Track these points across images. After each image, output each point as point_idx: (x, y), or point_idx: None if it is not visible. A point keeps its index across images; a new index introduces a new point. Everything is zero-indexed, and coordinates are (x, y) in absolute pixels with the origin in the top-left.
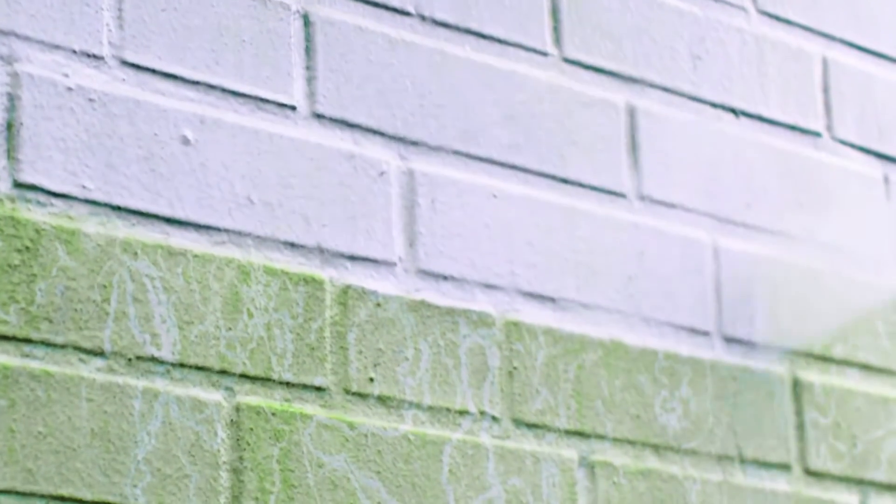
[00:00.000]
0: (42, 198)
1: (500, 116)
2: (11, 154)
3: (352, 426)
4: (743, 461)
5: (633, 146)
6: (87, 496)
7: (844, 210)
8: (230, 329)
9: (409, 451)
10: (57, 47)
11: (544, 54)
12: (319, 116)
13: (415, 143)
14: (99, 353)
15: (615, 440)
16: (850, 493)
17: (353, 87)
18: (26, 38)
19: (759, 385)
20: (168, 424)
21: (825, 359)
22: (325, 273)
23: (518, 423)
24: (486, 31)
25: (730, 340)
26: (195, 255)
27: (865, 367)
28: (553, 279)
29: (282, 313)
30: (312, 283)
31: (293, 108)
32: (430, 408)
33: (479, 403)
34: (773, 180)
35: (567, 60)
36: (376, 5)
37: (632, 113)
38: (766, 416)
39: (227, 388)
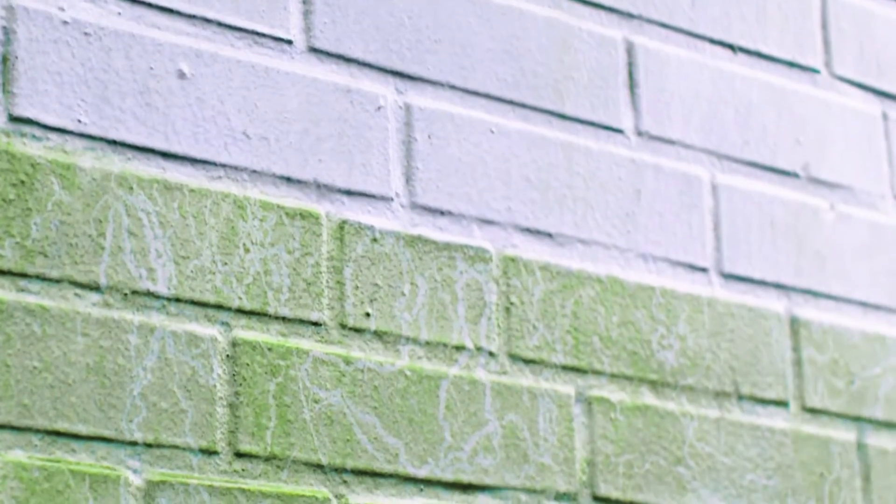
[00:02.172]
0: (37, 132)
1: (497, 51)
2: (7, 88)
3: (348, 361)
4: (740, 398)
5: (632, 82)
6: (83, 431)
7: (843, 147)
8: (226, 264)
9: (406, 387)
10: None
11: None
12: (316, 51)
13: (412, 78)
14: (95, 288)
15: (612, 376)
16: (846, 430)
17: (350, 22)
18: None
19: (757, 322)
20: (164, 359)
21: (823, 296)
22: (322, 208)
23: (515, 358)
24: None
25: (727, 277)
26: (191, 190)
27: (863, 305)
28: (550, 215)
29: (278, 248)
30: (309, 217)
31: (290, 42)
32: (427, 343)
33: (476, 339)
34: (771, 117)
35: None
36: None
37: (630, 49)
38: (763, 353)
39: (224, 323)
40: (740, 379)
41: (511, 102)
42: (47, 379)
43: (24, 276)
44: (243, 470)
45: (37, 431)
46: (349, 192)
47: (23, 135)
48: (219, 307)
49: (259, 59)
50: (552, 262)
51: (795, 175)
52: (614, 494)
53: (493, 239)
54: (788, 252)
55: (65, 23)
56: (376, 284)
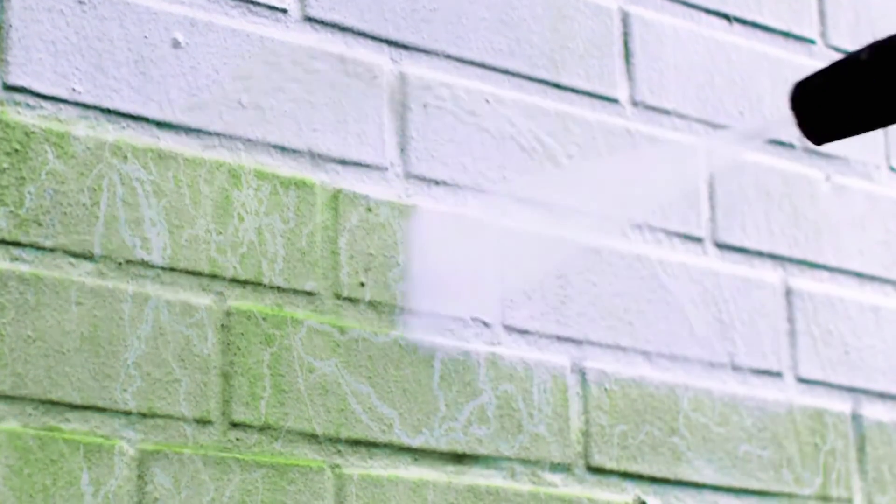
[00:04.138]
0: (31, 100)
1: (493, 21)
2: (0, 56)
3: (342, 331)
4: (735, 369)
5: (627, 52)
6: (77, 400)
7: None
8: (221, 233)
9: (401, 357)
10: None
11: None
12: (311, 19)
13: (407, 47)
14: (89, 257)
15: (607, 346)
16: (842, 401)
17: None
18: None
19: (752, 292)
20: (158, 329)
21: (818, 266)
22: (316, 177)
23: (509, 329)
24: None
25: (722, 247)
26: (185, 159)
27: (858, 275)
28: (545, 184)
29: (272, 217)
30: (303, 187)
31: (284, 10)
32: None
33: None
34: (766, 88)
35: None
36: None
37: (625, 19)
38: (757, 324)
39: (218, 293)
40: (735, 350)
41: (506, 72)
42: (41, 348)
43: (17, 244)
44: (237, 440)
45: (31, 401)
46: (344, 162)
47: (16, 103)
48: (213, 276)
49: (254, 28)
50: (546, 231)
51: (791, 146)
52: (609, 464)
53: (488, 209)
54: (784, 222)
55: None
56: (371, 254)
